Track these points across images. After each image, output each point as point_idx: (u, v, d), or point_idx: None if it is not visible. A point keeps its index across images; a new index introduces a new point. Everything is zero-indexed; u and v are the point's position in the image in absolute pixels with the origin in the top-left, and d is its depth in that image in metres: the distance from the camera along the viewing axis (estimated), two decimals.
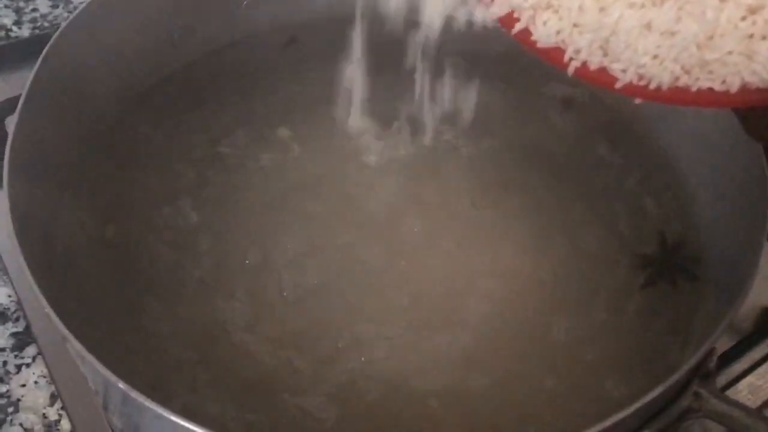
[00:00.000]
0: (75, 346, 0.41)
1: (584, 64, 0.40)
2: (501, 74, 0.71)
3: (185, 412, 0.39)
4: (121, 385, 0.39)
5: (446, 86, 0.67)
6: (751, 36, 0.36)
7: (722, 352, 0.59)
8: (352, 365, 0.54)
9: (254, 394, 0.52)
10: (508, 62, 0.68)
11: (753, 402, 0.58)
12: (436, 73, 0.67)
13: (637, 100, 0.39)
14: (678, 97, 0.38)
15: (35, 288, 0.43)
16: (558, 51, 0.40)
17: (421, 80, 0.64)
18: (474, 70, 0.71)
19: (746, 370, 0.59)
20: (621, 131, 0.67)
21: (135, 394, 0.39)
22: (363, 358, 0.54)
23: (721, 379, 0.58)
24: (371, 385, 0.53)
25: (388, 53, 0.63)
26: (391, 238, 0.61)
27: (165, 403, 0.39)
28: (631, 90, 0.39)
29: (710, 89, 0.37)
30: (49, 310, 0.42)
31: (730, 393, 0.58)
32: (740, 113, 0.42)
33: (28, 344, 0.59)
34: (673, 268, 0.59)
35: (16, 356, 0.58)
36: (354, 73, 0.64)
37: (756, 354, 0.60)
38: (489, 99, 0.69)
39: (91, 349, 0.41)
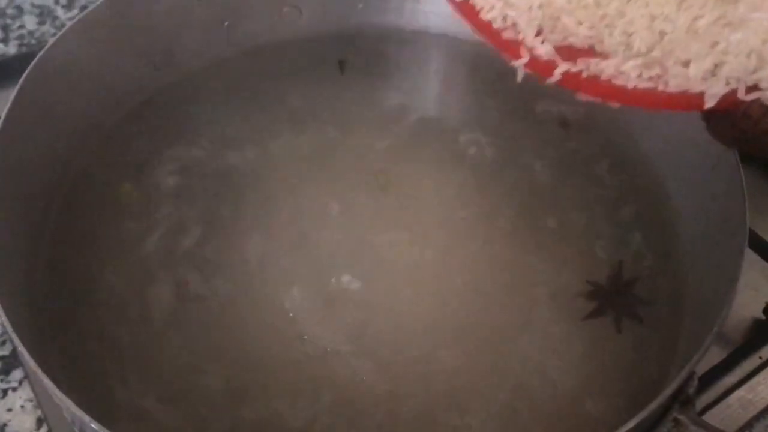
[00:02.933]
0: (46, 383, 0.41)
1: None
2: (496, 91, 0.71)
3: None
4: (94, 425, 0.39)
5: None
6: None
7: (712, 366, 0.58)
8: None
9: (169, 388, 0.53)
10: (504, 80, 0.68)
11: (744, 417, 0.57)
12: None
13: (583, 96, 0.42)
14: (621, 96, 0.41)
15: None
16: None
17: None
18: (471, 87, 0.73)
19: (736, 384, 0.58)
20: (612, 151, 0.67)
21: None
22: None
23: (711, 394, 0.58)
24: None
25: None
26: (379, 247, 0.61)
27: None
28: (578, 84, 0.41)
29: (652, 90, 0.40)
30: (22, 348, 0.42)
31: (721, 408, 0.57)
32: (703, 116, 0.43)
33: (14, 368, 0.59)
34: (620, 305, 0.57)
35: (2, 380, 0.58)
36: None
37: (746, 367, 0.59)
38: (484, 116, 0.70)
39: (64, 388, 0.40)
